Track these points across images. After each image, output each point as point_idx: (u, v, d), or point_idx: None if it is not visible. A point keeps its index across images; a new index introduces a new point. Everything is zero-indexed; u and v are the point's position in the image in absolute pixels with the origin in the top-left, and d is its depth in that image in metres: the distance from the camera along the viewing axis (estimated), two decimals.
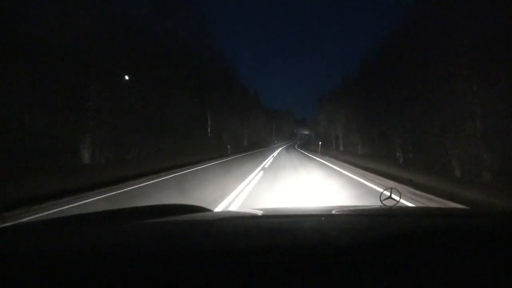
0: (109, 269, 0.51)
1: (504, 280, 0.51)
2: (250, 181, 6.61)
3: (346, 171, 9.51)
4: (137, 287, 0.47)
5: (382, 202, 1.32)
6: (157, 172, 8.29)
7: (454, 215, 1.14)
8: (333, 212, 1.09)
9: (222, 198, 4.62)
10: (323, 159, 15.59)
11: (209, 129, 24.21)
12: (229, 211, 1.51)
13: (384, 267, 0.52)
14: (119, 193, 5.34)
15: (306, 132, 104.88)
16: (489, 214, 1.22)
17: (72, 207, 4.23)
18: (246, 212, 1.29)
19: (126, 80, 12.21)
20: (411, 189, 5.76)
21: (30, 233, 0.79)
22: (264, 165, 10.91)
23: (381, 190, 1.94)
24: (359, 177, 7.71)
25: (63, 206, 4.26)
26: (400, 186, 5.95)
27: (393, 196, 1.36)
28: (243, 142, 36.92)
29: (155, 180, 7.00)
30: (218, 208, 3.91)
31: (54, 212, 3.93)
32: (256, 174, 7.92)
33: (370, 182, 6.75)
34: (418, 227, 0.83)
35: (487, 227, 0.82)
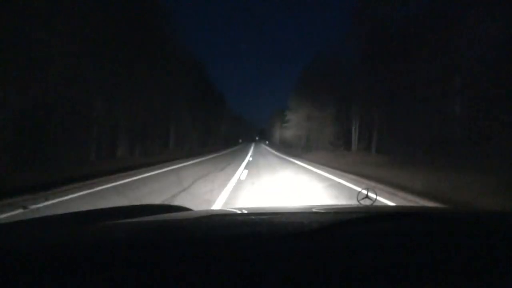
0: (83, 270, 0.51)
1: (485, 280, 0.52)
2: None
3: None
4: (112, 286, 0.48)
5: (359, 202, 1.40)
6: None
7: (430, 214, 1.17)
8: (311, 210, 1.14)
9: None
10: None
11: None
12: (209, 210, 1.46)
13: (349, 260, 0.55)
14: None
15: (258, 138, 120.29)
16: (469, 214, 1.25)
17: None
18: (226, 210, 1.28)
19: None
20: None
21: (5, 233, 0.79)
22: None
23: None
24: None
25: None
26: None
27: (369, 195, 1.44)
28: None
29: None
30: None
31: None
32: None
33: None
34: (392, 227, 0.83)
35: (466, 227, 0.83)
